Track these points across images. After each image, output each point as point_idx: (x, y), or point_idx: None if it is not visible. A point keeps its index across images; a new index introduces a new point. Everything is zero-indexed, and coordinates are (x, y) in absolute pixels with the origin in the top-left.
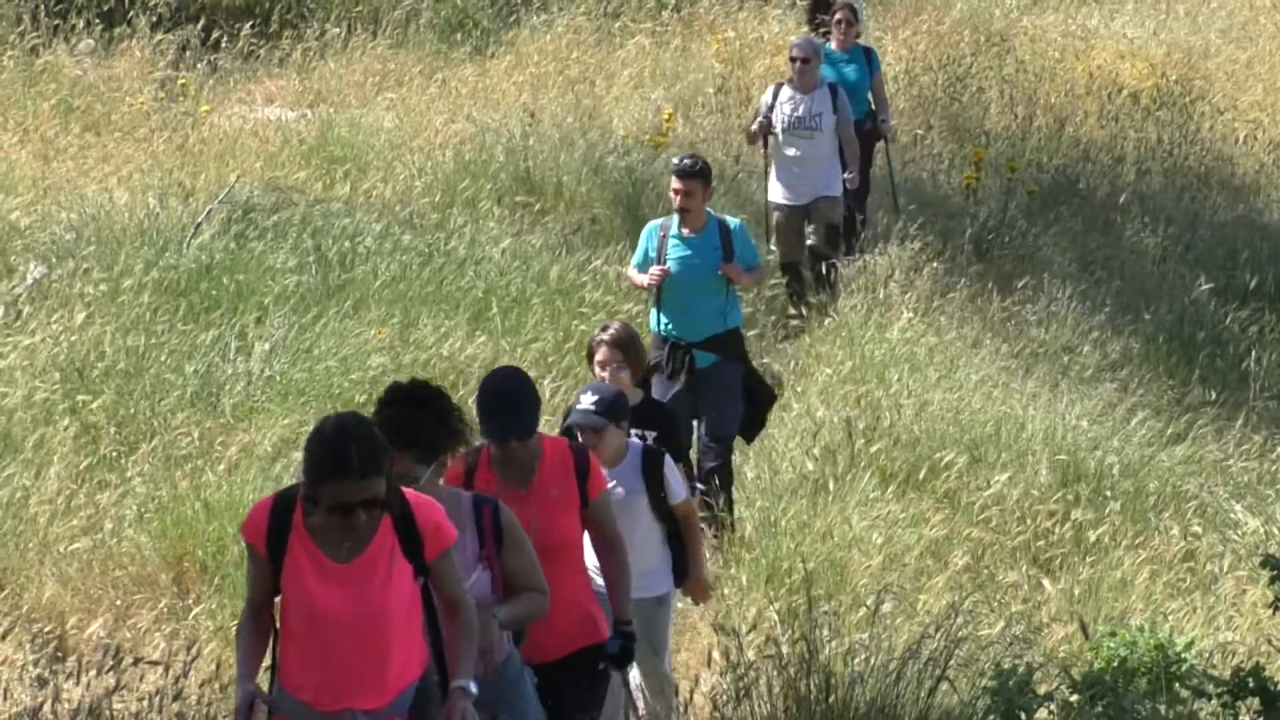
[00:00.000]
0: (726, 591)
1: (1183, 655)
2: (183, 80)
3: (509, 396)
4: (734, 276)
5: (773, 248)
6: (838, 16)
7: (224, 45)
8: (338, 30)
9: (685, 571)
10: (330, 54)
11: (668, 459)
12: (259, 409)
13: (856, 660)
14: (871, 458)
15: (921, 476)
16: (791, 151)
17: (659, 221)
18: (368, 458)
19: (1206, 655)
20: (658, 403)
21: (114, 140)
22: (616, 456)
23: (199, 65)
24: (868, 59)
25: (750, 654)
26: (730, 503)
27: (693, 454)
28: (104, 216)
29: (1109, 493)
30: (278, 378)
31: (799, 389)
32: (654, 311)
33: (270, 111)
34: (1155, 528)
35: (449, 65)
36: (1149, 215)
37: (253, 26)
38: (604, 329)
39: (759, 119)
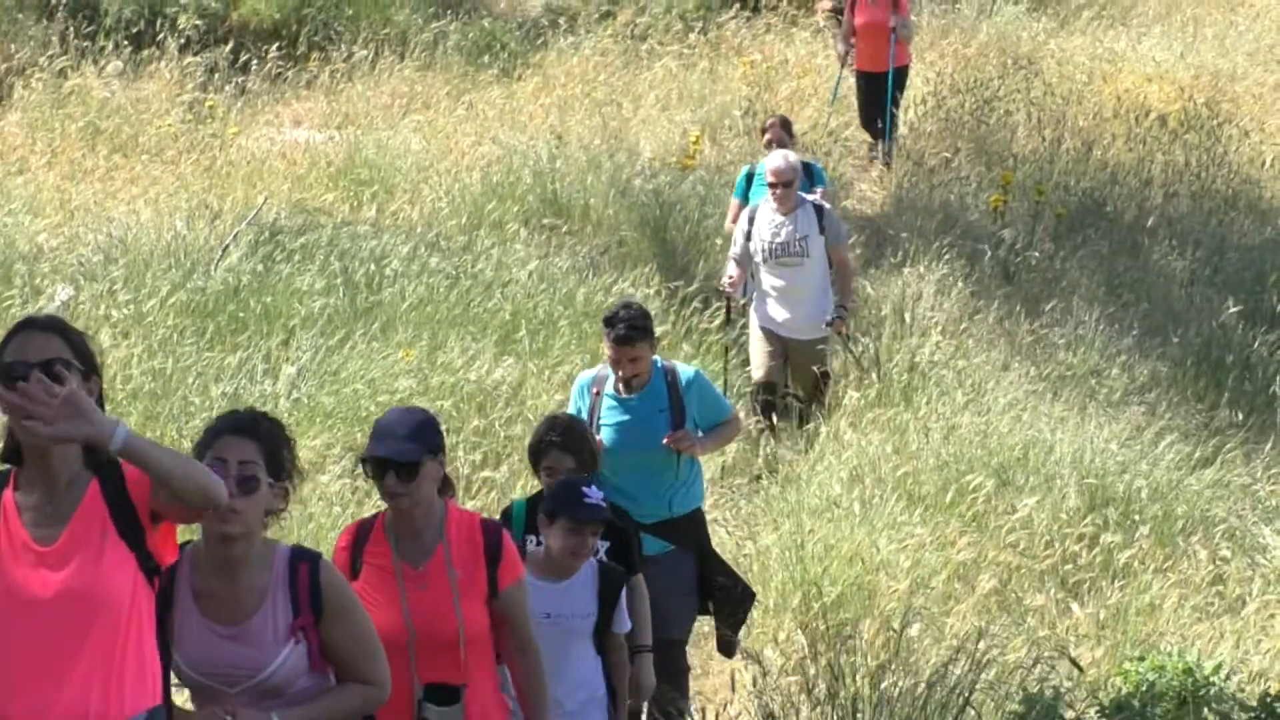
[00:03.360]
0: (754, 615)
1: (1211, 679)
2: (210, 102)
3: (402, 422)
4: (686, 448)
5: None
6: (768, 137)
7: (252, 67)
8: (365, 52)
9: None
10: (358, 76)
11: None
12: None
13: (883, 684)
14: (898, 481)
15: (949, 500)
16: (776, 282)
17: (592, 374)
18: (55, 321)
19: (1235, 679)
20: (614, 509)
21: (141, 162)
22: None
23: (227, 87)
24: (808, 174)
25: (776, 678)
26: None
27: None
28: (131, 238)
29: (1137, 516)
30: (305, 400)
31: (825, 413)
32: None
33: (298, 133)
34: (1183, 551)
35: (476, 87)
36: (1176, 238)
37: (280, 49)
38: (551, 426)
39: (735, 263)
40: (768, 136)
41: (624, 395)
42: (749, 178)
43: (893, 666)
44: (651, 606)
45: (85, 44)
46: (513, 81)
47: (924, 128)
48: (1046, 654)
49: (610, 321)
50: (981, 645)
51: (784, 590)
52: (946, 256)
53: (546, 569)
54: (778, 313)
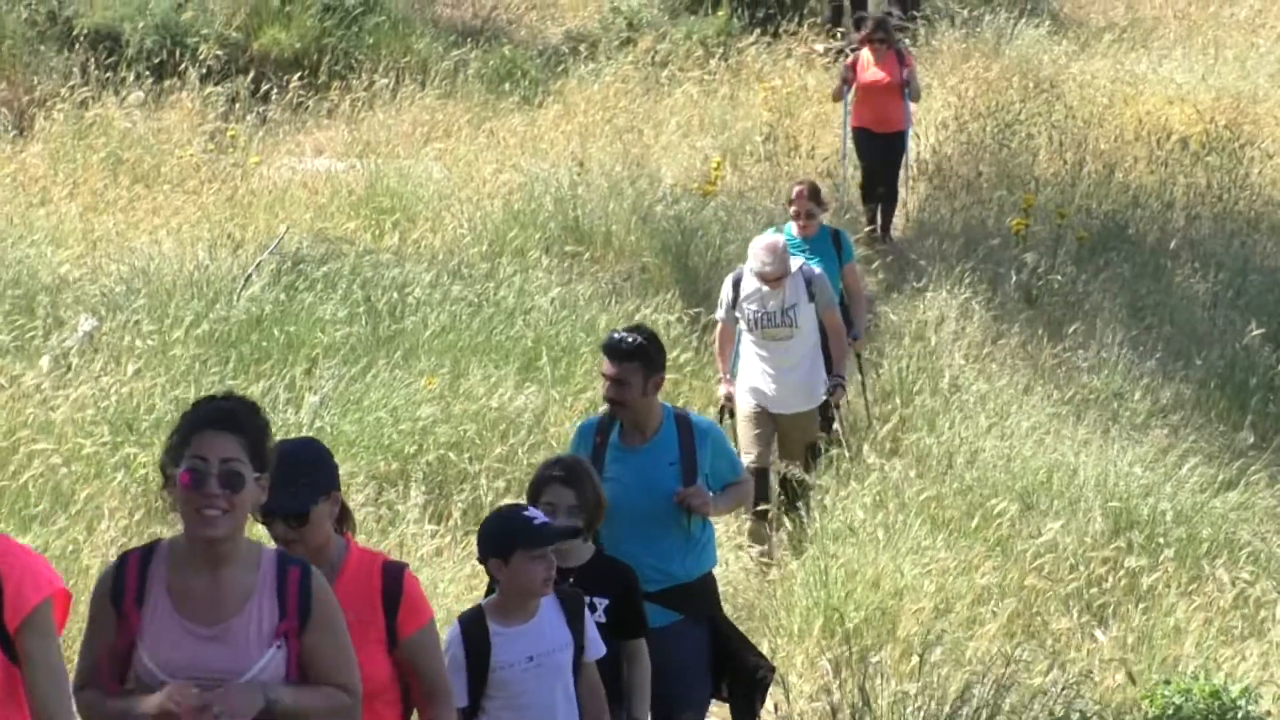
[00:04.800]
0: (778, 641)
1: (1237, 702)
2: (232, 132)
3: (290, 463)
4: (698, 507)
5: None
6: (794, 208)
7: (273, 97)
8: (386, 81)
9: None
10: (379, 105)
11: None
12: None
13: (908, 709)
14: (922, 505)
15: (973, 524)
16: (762, 354)
17: (595, 419)
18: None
19: (1261, 702)
20: (613, 560)
21: (163, 192)
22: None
23: (248, 117)
24: (836, 245)
25: (801, 703)
26: None
27: None
28: (153, 269)
29: (1161, 539)
30: (328, 429)
31: (849, 438)
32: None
33: (319, 162)
34: (1208, 575)
35: (497, 115)
36: (1199, 261)
37: (301, 78)
38: (555, 462)
39: (722, 326)
40: (794, 208)
41: (630, 445)
42: None
43: (917, 691)
44: (658, 686)
45: (106, 75)
46: (534, 109)
47: (945, 151)
48: (1071, 678)
49: (609, 337)
50: (1006, 670)
51: (807, 615)
52: (968, 280)
53: (511, 613)
54: (765, 387)
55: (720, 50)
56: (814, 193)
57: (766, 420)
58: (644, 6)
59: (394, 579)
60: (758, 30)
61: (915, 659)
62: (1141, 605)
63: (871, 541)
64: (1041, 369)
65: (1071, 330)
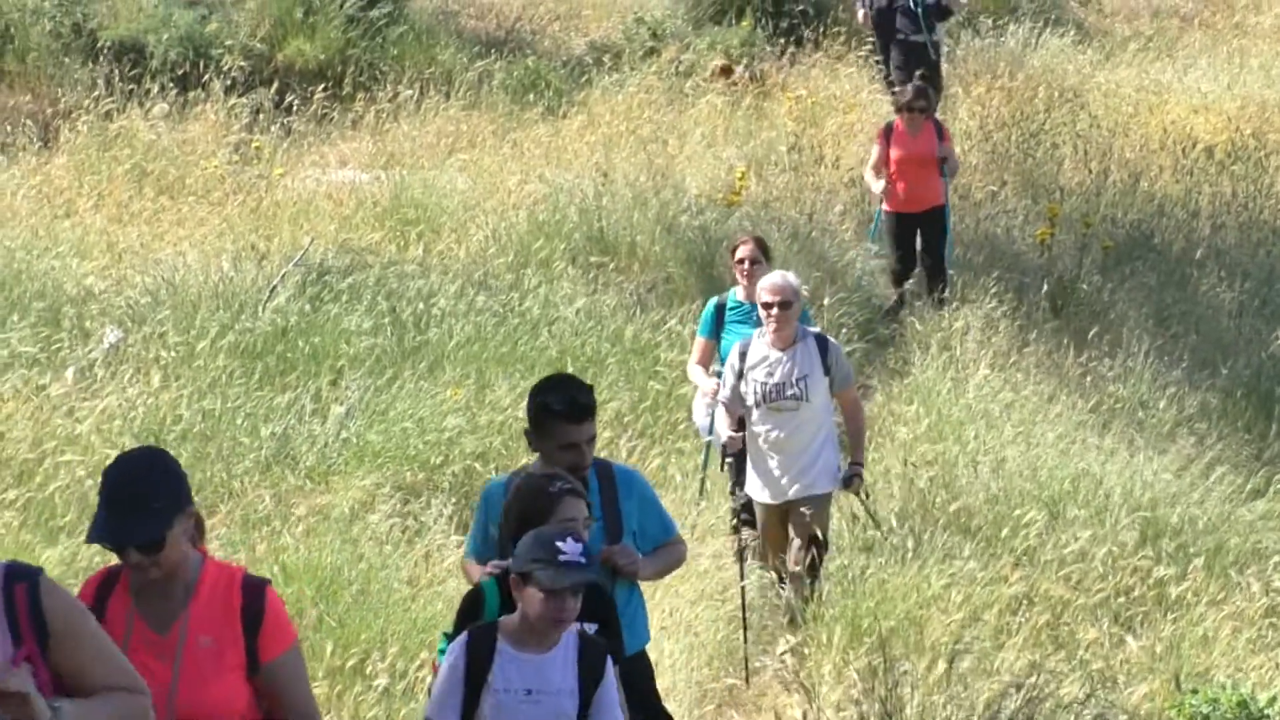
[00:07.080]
0: (807, 650)
1: (1265, 711)
2: (256, 143)
3: (136, 486)
4: (625, 567)
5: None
6: (741, 255)
7: (297, 108)
8: (410, 92)
9: None
10: (403, 116)
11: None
12: (335, 471)
13: (936, 718)
14: (950, 516)
15: (1001, 534)
16: (768, 431)
17: (504, 479)
18: None
19: None
20: (595, 586)
21: (188, 204)
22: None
23: (273, 128)
24: None
25: (829, 713)
26: None
27: None
28: (179, 280)
29: (1189, 549)
30: (353, 440)
31: (876, 450)
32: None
33: (344, 173)
34: (1236, 584)
35: (521, 126)
36: (1225, 269)
37: (326, 89)
38: (553, 475)
39: (725, 409)
40: (740, 255)
41: None
42: (718, 310)
43: (946, 701)
44: None
45: (131, 86)
46: (558, 119)
47: (970, 161)
48: (1100, 689)
49: (556, 392)
50: (1035, 680)
51: (834, 626)
52: (994, 290)
53: (525, 639)
54: (773, 474)
55: (744, 60)
56: (762, 245)
57: (779, 520)
58: (668, 17)
59: (255, 597)
60: (782, 40)
61: (943, 668)
62: (1170, 615)
63: (899, 551)
64: (1067, 378)
65: (1096, 338)
